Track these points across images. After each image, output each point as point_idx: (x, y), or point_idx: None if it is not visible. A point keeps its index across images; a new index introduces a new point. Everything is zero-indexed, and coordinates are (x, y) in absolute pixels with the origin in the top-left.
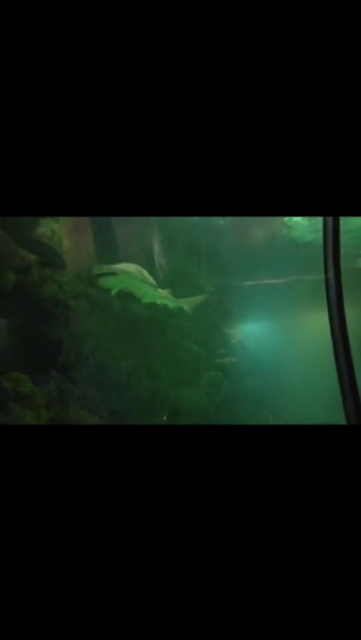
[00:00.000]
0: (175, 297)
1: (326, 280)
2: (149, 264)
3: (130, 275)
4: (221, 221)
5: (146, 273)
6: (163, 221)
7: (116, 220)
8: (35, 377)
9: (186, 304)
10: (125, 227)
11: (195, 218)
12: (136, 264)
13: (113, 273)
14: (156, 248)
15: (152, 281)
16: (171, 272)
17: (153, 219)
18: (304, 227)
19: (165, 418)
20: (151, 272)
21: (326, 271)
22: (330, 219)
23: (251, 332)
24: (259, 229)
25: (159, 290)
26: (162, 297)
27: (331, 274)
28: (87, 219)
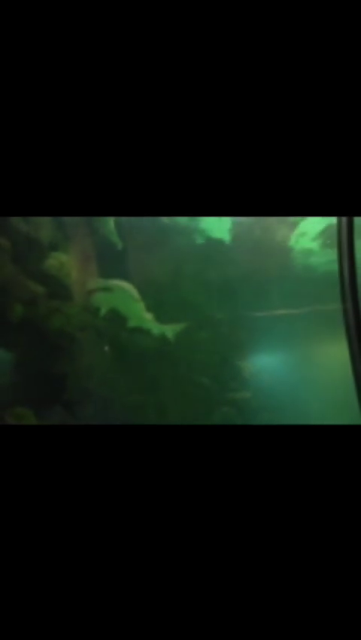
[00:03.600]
0: (160, 323)
1: (344, 310)
2: (151, 290)
3: (124, 292)
4: (232, 250)
5: (136, 294)
6: (172, 247)
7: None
8: (39, 412)
9: (170, 331)
10: (133, 251)
11: (207, 248)
12: (130, 284)
13: (108, 289)
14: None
15: (141, 303)
16: (179, 301)
17: (162, 246)
18: (319, 255)
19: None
20: (151, 298)
21: (344, 301)
22: (346, 245)
23: (266, 365)
24: (273, 257)
25: (147, 314)
26: (149, 321)
27: (349, 304)
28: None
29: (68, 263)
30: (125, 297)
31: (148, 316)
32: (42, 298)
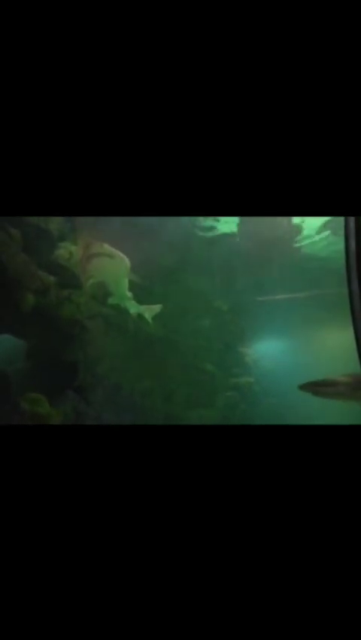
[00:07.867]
0: (138, 303)
1: (350, 293)
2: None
3: (121, 262)
4: (236, 238)
5: (128, 269)
6: (175, 235)
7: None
8: (52, 397)
9: (146, 311)
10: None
11: (209, 234)
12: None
13: (110, 255)
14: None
15: (127, 279)
16: (183, 288)
17: (166, 234)
18: (323, 240)
19: None
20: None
21: (350, 283)
22: (352, 228)
23: (268, 350)
24: (276, 244)
25: (128, 292)
26: (128, 299)
27: (355, 286)
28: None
29: (76, 252)
30: (120, 268)
31: (129, 294)
32: (53, 287)
